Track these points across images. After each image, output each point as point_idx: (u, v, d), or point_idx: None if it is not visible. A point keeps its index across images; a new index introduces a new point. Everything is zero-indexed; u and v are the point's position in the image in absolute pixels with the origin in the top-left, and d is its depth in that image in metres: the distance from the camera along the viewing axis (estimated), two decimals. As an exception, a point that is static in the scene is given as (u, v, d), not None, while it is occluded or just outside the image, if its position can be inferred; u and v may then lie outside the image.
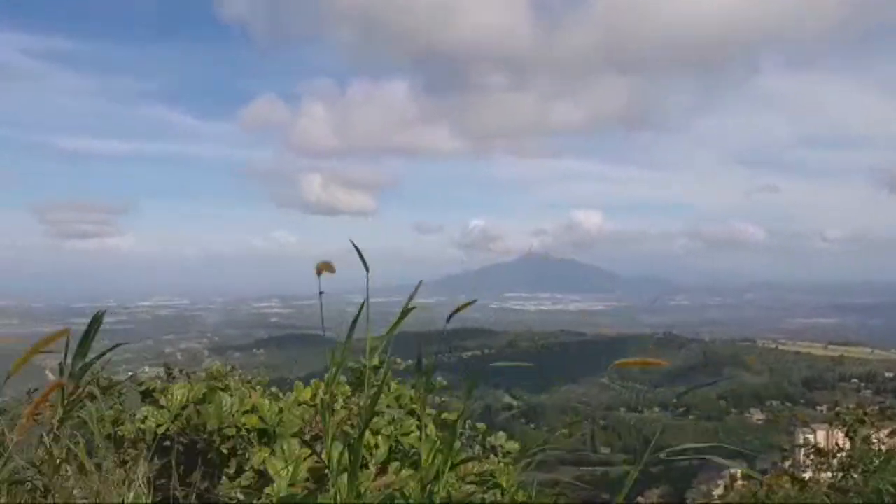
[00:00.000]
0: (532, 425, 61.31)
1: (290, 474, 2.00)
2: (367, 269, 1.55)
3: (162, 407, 2.51)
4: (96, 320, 1.93)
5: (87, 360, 1.98)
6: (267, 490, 2.05)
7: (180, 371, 3.41)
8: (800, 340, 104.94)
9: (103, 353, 2.08)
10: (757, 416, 68.52)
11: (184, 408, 2.49)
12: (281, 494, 1.96)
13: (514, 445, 3.16)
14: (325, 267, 1.57)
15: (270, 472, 2.04)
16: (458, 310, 1.63)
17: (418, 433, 2.28)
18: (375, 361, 2.85)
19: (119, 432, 2.55)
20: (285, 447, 2.10)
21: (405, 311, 1.62)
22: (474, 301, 1.78)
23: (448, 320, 1.63)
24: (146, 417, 2.49)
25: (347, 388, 2.92)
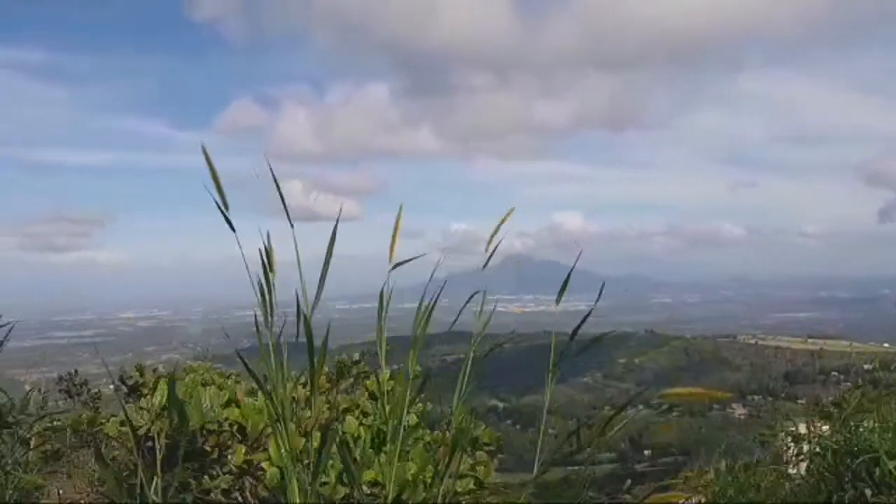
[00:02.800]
0: (518, 426, 61.29)
1: (279, 461, 1.97)
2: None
3: (142, 408, 2.51)
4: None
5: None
6: (264, 479, 2.07)
7: (154, 371, 3.44)
8: (780, 335, 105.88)
9: None
10: (739, 411, 69.14)
11: (164, 408, 2.50)
12: (273, 483, 1.97)
13: (490, 435, 3.11)
14: None
15: (264, 464, 2.07)
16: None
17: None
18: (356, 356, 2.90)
19: (99, 433, 2.54)
20: (276, 440, 2.04)
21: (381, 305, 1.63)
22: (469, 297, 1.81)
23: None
24: (124, 421, 2.50)
25: (324, 381, 2.94)
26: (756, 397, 72.55)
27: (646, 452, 61.02)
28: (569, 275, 1.90)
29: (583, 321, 1.87)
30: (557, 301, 1.90)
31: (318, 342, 1.66)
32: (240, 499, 2.23)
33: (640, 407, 72.57)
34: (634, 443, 62.27)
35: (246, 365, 1.66)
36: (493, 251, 1.92)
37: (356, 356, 3.47)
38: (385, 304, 1.74)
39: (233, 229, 1.61)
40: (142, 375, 3.14)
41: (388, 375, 2.50)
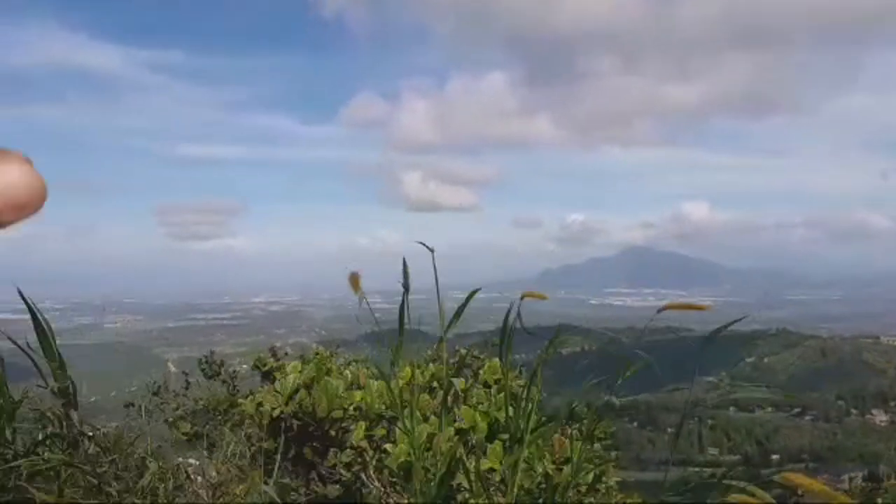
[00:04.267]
0: (635, 424, 62.19)
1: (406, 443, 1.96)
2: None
3: (276, 391, 2.56)
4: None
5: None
6: (387, 461, 2.06)
7: (286, 353, 3.39)
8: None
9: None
10: (880, 417, 64.49)
11: (296, 391, 2.53)
12: (399, 460, 1.98)
13: (605, 429, 2.81)
14: (354, 281, 1.57)
15: (387, 447, 2.07)
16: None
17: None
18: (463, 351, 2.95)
19: (237, 413, 2.63)
20: (402, 422, 1.97)
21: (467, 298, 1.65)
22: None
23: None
24: (262, 402, 2.55)
25: (438, 368, 2.73)
26: None
27: (774, 457, 57.40)
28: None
29: (730, 323, 1.71)
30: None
31: (430, 329, 1.69)
32: (363, 475, 2.22)
33: (769, 409, 69.16)
34: (761, 445, 59.43)
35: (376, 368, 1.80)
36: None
37: (474, 350, 3.40)
38: (508, 334, 1.68)
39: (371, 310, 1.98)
40: (275, 357, 3.19)
41: (496, 364, 2.56)
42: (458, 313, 1.68)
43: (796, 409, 69.33)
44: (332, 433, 2.46)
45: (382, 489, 2.28)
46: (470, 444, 2.19)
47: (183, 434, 2.18)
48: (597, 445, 2.51)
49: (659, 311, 1.59)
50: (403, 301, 1.70)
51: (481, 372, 2.66)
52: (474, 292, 1.69)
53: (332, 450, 2.43)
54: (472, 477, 1.80)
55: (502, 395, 2.38)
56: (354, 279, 1.61)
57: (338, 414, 2.47)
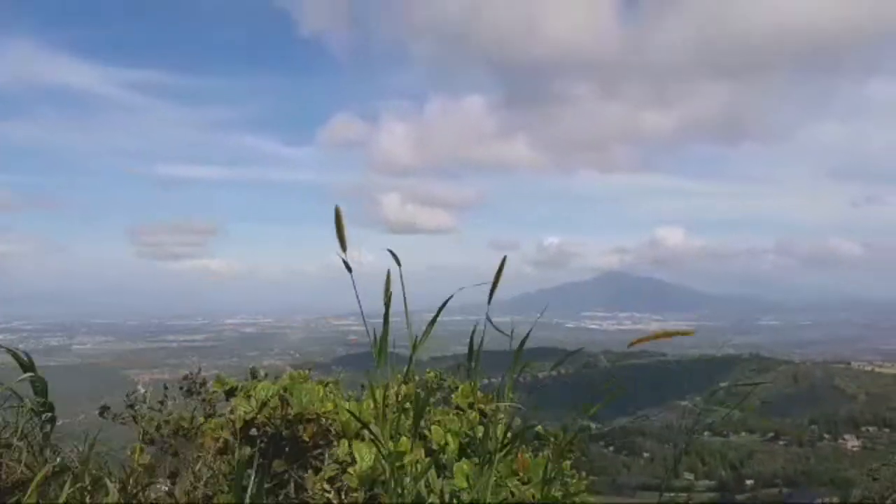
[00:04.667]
0: (611, 448, 62.75)
1: (371, 457, 2.01)
2: (344, 248, 1.61)
3: (250, 396, 2.60)
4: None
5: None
6: (350, 470, 2.06)
7: (265, 374, 3.27)
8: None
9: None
10: (852, 442, 65.10)
11: (266, 402, 2.57)
12: (362, 470, 1.99)
13: (576, 443, 2.70)
14: (338, 221, 1.63)
15: (356, 455, 2.06)
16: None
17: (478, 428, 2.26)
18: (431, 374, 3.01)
19: (205, 425, 2.61)
20: (368, 435, 2.06)
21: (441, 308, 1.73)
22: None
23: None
24: (235, 407, 2.58)
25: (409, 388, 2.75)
26: (871, 428, 67.70)
27: (748, 482, 57.62)
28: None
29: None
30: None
31: (404, 351, 1.72)
32: (343, 487, 2.19)
33: (743, 433, 69.59)
34: (735, 470, 59.50)
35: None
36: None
37: (443, 373, 3.44)
38: (475, 353, 1.74)
39: (349, 269, 1.67)
40: (255, 378, 3.08)
41: (468, 388, 2.55)
42: (427, 331, 1.73)
43: (770, 434, 70.00)
44: (306, 440, 2.51)
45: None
46: (441, 463, 2.23)
47: (139, 465, 2.14)
48: (566, 464, 2.53)
49: (640, 340, 1.63)
50: (386, 316, 1.73)
51: (453, 396, 2.73)
52: (442, 306, 1.71)
53: (308, 463, 2.48)
54: (442, 498, 1.83)
55: (474, 415, 2.45)
56: (338, 217, 1.66)
57: (311, 415, 2.52)
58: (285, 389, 2.63)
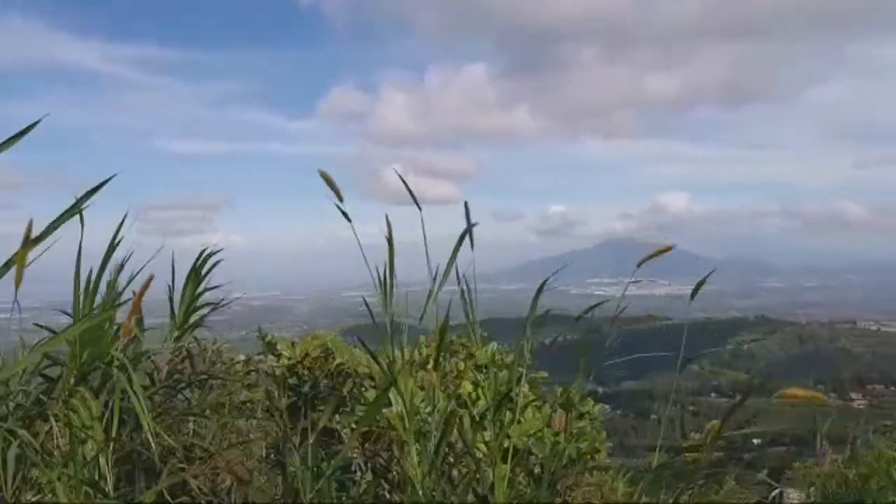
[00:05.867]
0: (619, 412, 61.08)
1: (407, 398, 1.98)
2: (340, 199, 1.68)
3: (293, 345, 2.78)
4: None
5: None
6: (385, 412, 2.09)
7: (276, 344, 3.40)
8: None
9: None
10: (859, 401, 64.28)
11: (308, 353, 2.71)
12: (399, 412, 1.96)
13: (595, 405, 2.90)
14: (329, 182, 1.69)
15: (392, 398, 2.06)
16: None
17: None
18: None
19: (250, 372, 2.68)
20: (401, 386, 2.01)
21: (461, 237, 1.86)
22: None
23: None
24: (281, 355, 2.71)
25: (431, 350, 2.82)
26: (878, 387, 68.54)
27: (755, 441, 61.94)
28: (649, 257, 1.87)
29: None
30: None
31: (412, 322, 1.75)
32: (371, 436, 2.29)
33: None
34: (742, 430, 64.78)
35: (363, 344, 1.92)
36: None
37: (462, 338, 3.39)
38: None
39: (348, 219, 1.73)
40: (265, 341, 3.17)
41: (493, 349, 2.68)
42: (433, 297, 1.75)
43: (776, 395, 71.37)
44: (343, 393, 2.58)
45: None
46: (473, 417, 2.27)
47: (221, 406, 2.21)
48: (585, 423, 2.60)
49: (779, 397, 1.64)
50: (391, 261, 1.75)
51: (475, 354, 2.76)
52: (446, 273, 1.75)
53: (342, 411, 2.54)
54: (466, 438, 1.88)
55: (501, 372, 2.50)
56: (326, 178, 1.72)
57: (349, 371, 2.61)
58: (328, 342, 2.72)
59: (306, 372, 2.72)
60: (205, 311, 2.58)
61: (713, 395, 70.31)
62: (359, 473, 2.35)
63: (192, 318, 2.49)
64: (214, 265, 2.53)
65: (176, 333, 2.44)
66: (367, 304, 1.79)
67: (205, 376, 2.33)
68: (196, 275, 2.42)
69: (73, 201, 1.60)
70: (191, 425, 2.20)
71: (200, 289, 2.44)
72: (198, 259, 2.43)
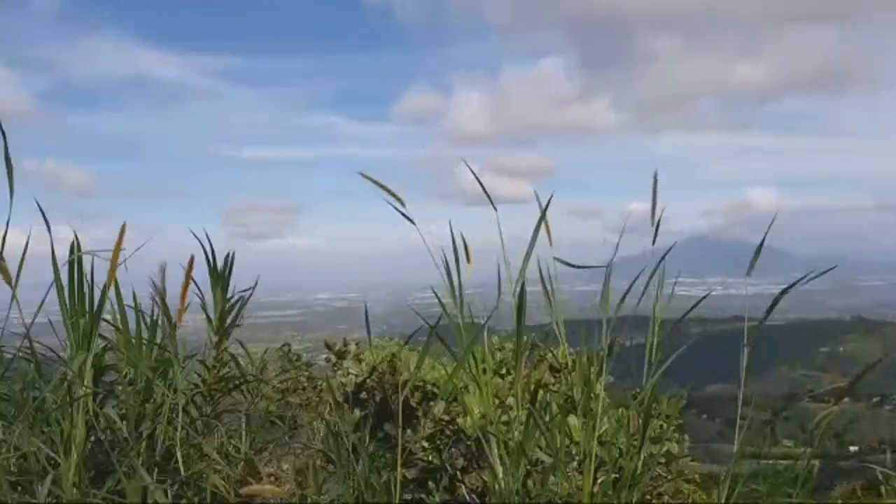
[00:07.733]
0: (704, 416, 58.01)
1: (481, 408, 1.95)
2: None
3: (360, 360, 2.77)
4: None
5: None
6: (460, 421, 2.11)
7: (356, 345, 3.36)
8: None
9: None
10: None
11: (375, 367, 2.71)
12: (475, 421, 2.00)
13: (675, 406, 2.76)
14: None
15: (466, 405, 2.03)
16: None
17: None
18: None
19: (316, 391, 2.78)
20: (476, 392, 2.00)
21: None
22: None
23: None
24: (348, 370, 2.74)
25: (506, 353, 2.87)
26: None
27: (852, 448, 51.86)
28: (759, 249, 1.77)
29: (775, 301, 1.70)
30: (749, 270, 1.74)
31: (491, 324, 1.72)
32: (440, 445, 2.30)
33: (846, 399, 72.37)
34: (838, 437, 53.24)
35: (442, 341, 1.72)
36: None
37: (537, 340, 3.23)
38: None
39: (411, 221, 1.73)
40: (345, 345, 3.19)
41: (567, 350, 2.40)
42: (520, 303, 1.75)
43: (875, 399, 65.41)
44: (413, 404, 2.57)
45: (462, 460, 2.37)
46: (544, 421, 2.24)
47: (268, 412, 2.29)
48: (664, 424, 2.53)
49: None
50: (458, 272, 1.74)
51: (550, 357, 2.72)
52: (520, 277, 1.74)
53: (412, 426, 2.53)
54: (550, 443, 1.86)
55: (575, 374, 2.41)
56: (372, 181, 1.75)
57: (418, 382, 2.60)
58: (393, 356, 2.71)
59: (375, 384, 2.72)
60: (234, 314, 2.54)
61: (806, 399, 68.30)
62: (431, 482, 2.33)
63: (227, 320, 2.49)
64: (230, 268, 2.48)
65: (215, 339, 2.46)
66: (441, 305, 1.78)
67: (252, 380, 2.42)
68: (220, 278, 2.41)
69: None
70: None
71: (229, 294, 2.44)
72: (224, 261, 2.42)
